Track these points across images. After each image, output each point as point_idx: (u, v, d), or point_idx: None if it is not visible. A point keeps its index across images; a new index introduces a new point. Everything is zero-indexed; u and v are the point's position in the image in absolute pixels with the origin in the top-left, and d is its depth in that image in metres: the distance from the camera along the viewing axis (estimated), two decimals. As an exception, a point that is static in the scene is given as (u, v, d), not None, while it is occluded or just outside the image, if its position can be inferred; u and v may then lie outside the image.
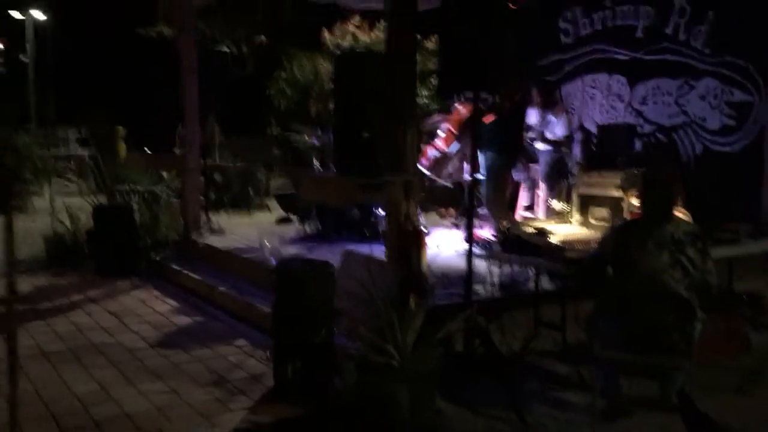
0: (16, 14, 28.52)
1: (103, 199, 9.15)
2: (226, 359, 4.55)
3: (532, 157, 7.52)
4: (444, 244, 5.93)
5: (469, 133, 6.47)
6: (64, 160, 16.74)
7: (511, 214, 6.89)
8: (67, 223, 7.98)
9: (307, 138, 7.89)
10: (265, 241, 5.99)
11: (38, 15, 28.84)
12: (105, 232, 7.02)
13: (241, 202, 12.87)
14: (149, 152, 6.98)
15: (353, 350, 4.00)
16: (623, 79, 7.60)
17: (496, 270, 5.02)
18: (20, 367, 4.34)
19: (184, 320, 5.49)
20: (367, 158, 3.86)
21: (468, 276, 4.17)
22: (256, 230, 7.85)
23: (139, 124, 7.18)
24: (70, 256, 7.66)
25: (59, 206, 8.03)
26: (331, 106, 14.95)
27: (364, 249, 5.35)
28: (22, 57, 29.38)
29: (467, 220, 4.29)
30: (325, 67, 15.57)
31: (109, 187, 14.82)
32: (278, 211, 11.47)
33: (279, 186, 13.67)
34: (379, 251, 4.88)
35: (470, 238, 4.14)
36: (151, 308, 5.82)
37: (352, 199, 4.13)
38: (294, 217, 9.97)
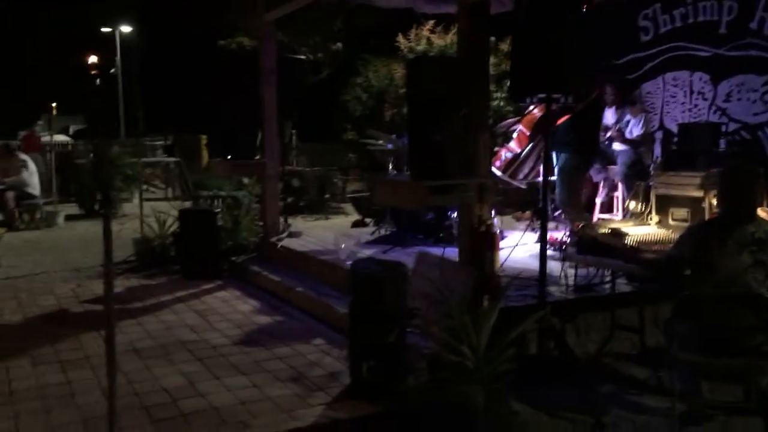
0: (105, 29, 30.06)
1: (187, 205, 9.57)
2: (305, 357, 4.69)
3: (609, 158, 7.39)
4: (518, 247, 5.91)
5: (545, 134, 6.46)
6: (151, 167, 17.56)
7: (587, 215, 6.80)
8: (155, 227, 8.39)
9: (382, 143, 8.00)
10: (342, 244, 6.13)
11: (125, 29, 30.26)
12: (190, 236, 7.33)
13: (318, 206, 13.15)
14: (232, 159, 7.23)
15: (426, 349, 4.08)
16: (706, 77, 7.38)
17: (570, 272, 4.99)
18: (116, 362, 4.62)
19: (264, 319, 5.68)
20: (439, 161, 3.90)
21: (541, 277, 4.16)
22: (332, 233, 8.03)
23: (223, 132, 7.44)
24: (157, 259, 8.03)
25: (146, 211, 8.44)
26: (406, 110, 15.15)
27: (437, 251, 5.42)
28: (112, 70, 30.97)
29: (541, 221, 4.29)
30: (400, 72, 15.73)
31: (192, 192, 15.41)
32: (354, 215, 11.66)
33: (354, 190, 13.90)
34: (452, 254, 4.93)
35: (543, 239, 4.14)
36: (233, 308, 6.05)
37: (423, 203, 4.18)
38: (369, 221, 10.14)
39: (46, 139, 18.50)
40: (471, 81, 4.10)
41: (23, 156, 11.47)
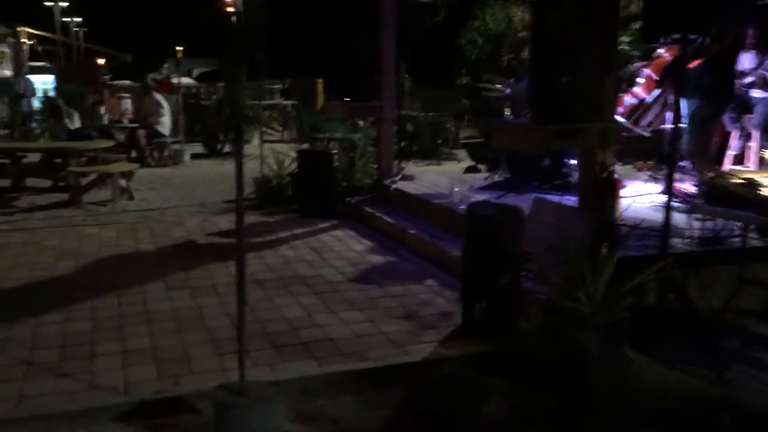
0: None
1: (304, 146, 9.83)
2: (417, 297, 4.79)
3: (746, 105, 6.90)
4: (639, 197, 5.70)
5: (674, 79, 6.11)
6: (269, 110, 18.08)
7: (717, 166, 6.43)
8: (274, 167, 8.70)
9: (500, 87, 7.84)
10: (455, 188, 6.13)
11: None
12: (307, 176, 7.55)
13: (431, 151, 13.15)
14: (350, 102, 7.32)
15: (540, 295, 4.06)
16: None
17: (697, 224, 4.77)
18: (239, 291, 4.90)
19: (377, 259, 5.82)
20: (562, 105, 3.79)
21: (665, 226, 4.02)
22: (445, 178, 8.04)
23: (341, 75, 7.53)
24: (275, 197, 8.36)
25: (265, 152, 8.74)
26: (524, 55, 14.73)
27: (554, 198, 5.32)
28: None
29: (668, 169, 4.11)
30: (519, 15, 15.28)
31: (308, 134, 15.77)
32: (467, 161, 11.57)
33: (467, 136, 13.77)
34: (570, 201, 4.83)
35: (669, 187, 3.97)
36: (347, 246, 6.23)
37: (544, 147, 4.11)
38: (482, 167, 10.04)
39: (174, 81, 19.43)
40: (599, 21, 3.93)
41: (158, 96, 12.09)
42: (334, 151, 7.78)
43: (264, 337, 4.04)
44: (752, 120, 6.83)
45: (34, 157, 9.93)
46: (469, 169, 10.14)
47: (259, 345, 3.93)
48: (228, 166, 12.57)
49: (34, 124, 11.11)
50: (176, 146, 12.80)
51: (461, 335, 4.06)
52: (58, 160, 9.32)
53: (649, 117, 6.19)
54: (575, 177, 6.69)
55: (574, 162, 6.71)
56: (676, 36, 3.75)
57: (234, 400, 2.88)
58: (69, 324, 4.22)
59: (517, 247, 3.99)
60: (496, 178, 7.21)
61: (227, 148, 14.08)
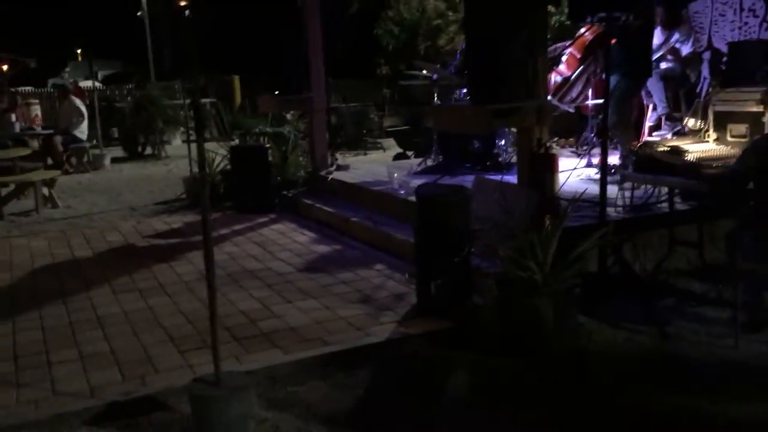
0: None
1: (225, 144, 9.76)
2: (369, 281, 4.88)
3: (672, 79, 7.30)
4: (574, 170, 5.97)
5: (595, 56, 6.42)
6: (184, 109, 17.72)
7: (637, 138, 6.80)
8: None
9: (426, 73, 8.00)
10: (394, 174, 6.25)
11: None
12: (242, 171, 7.51)
13: (356, 142, 13.26)
14: (279, 95, 7.33)
15: (489, 270, 4.24)
16: (756, -7, 7.20)
17: (626, 194, 5.06)
18: (190, 289, 4.88)
19: (323, 249, 5.88)
20: (499, 85, 3.96)
21: (601, 196, 4.25)
22: (378, 166, 8.16)
23: (269, 69, 7.51)
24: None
25: (186, 152, 8.61)
26: (440, 42, 15.03)
27: (493, 178, 5.51)
28: (139, 13, 30.75)
29: (601, 141, 4.35)
30: (432, 4, 15.53)
31: (229, 132, 15.58)
32: (391, 150, 11.75)
33: (390, 125, 13.95)
34: (506, 179, 5.02)
35: (604, 157, 4.21)
36: (290, 239, 6.25)
37: (486, 126, 4.26)
38: (410, 153, 10.23)
39: (81, 85, 18.74)
40: (531, 2, 4.11)
41: (77, 100, 11.65)
42: (267, 146, 7.75)
43: (224, 332, 4.02)
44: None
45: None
46: (398, 156, 10.34)
47: (221, 339, 3.89)
48: (150, 168, 12.31)
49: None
50: (95, 151, 12.41)
51: (418, 314, 4.18)
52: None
53: (573, 94, 6.48)
54: (505, 157, 6.95)
55: (502, 143, 6.97)
56: (602, 14, 3.97)
57: (211, 391, 2.90)
58: (18, 334, 4.09)
59: (467, 224, 4.14)
60: (429, 162, 7.37)
61: (148, 150, 13.75)
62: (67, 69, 33.32)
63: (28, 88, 20.29)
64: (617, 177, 5.41)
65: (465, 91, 6.86)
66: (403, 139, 10.43)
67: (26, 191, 8.58)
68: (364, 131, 13.76)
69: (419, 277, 4.24)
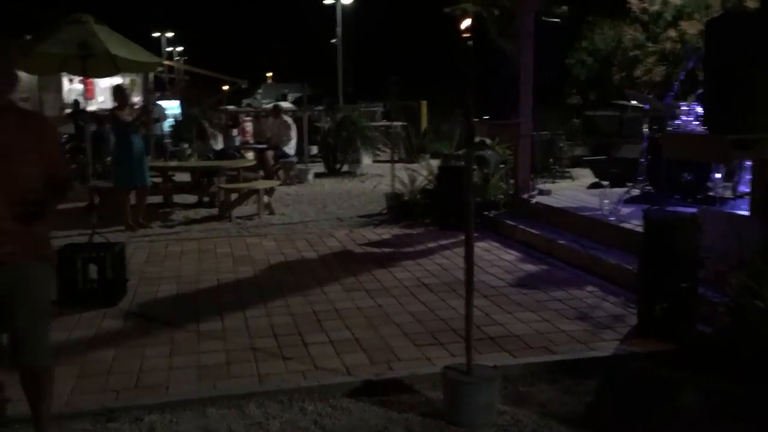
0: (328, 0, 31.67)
1: (413, 166, 10.30)
2: (583, 301, 5.03)
3: None
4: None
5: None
6: (376, 131, 18.71)
7: None
8: (404, 184, 9.16)
9: (636, 104, 8.00)
10: (604, 201, 6.34)
11: (347, -1, 31.67)
12: (446, 190, 7.91)
13: (544, 169, 13.30)
14: (488, 119, 7.68)
15: (713, 298, 4.24)
16: None
17: None
18: (412, 293, 5.30)
19: (530, 267, 6.09)
20: (744, 115, 3.99)
21: None
22: (576, 193, 8.26)
23: (481, 94, 7.90)
24: (408, 212, 8.77)
25: (378, 171, 9.16)
26: (636, 73, 14.72)
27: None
28: (333, 41, 32.83)
29: None
30: (630, 34, 15.25)
31: (415, 154, 16.19)
32: (580, 180, 11.70)
33: (578, 155, 13.88)
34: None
35: None
36: (496, 256, 6.53)
37: (722, 157, 4.29)
38: (606, 183, 10.15)
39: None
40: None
41: (288, 119, 12.81)
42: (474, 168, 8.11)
43: (452, 333, 4.38)
44: None
45: (181, 176, 10.77)
46: (593, 185, 10.28)
47: (451, 339, 4.27)
48: (348, 184, 13.17)
49: (180, 146, 12.01)
50: (300, 166, 13.49)
51: (639, 335, 4.28)
52: (204, 179, 10.10)
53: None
54: (719, 191, 6.78)
55: (718, 176, 6.80)
56: None
57: (463, 378, 3.23)
58: (272, 317, 4.71)
59: (695, 252, 4.19)
60: (633, 192, 7.35)
61: (345, 168, 14.70)
62: (260, 91, 36.13)
63: (236, 107, 22.37)
64: None
65: (679, 121, 6.83)
66: (599, 169, 10.38)
67: (250, 198, 9.57)
68: (551, 159, 13.79)
69: (642, 299, 4.34)
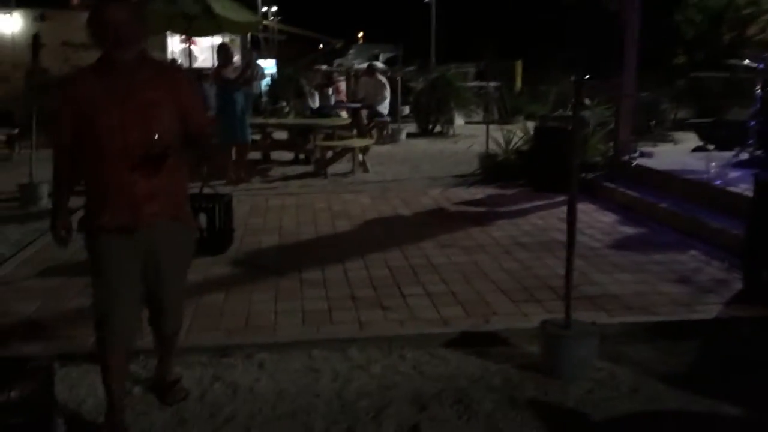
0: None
1: (506, 126, 10.18)
2: (684, 264, 4.92)
3: None
4: None
5: None
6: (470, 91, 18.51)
7: None
8: (499, 145, 9.11)
9: (748, 63, 7.59)
10: (711, 164, 6.13)
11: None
12: (543, 151, 7.82)
13: (644, 132, 12.85)
14: (589, 79, 7.47)
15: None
16: None
17: None
18: (507, 252, 5.33)
19: (628, 230, 5.98)
20: None
21: None
22: (680, 156, 7.98)
23: (583, 53, 7.69)
24: (501, 173, 8.73)
25: (471, 132, 9.11)
26: (749, 32, 13.91)
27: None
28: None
29: None
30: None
31: (510, 115, 15.94)
32: (683, 143, 11.24)
33: (681, 118, 13.31)
34: None
35: None
36: (593, 218, 6.44)
37: None
38: (711, 146, 9.74)
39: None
40: None
41: (383, 78, 12.90)
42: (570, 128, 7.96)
43: (548, 291, 4.40)
44: None
45: (277, 134, 11.08)
46: (697, 149, 9.88)
47: (547, 296, 4.30)
48: (440, 144, 13.19)
49: (279, 104, 12.31)
50: (393, 125, 13.59)
51: (744, 300, 4.17)
52: (300, 137, 10.36)
53: None
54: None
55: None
56: None
57: (563, 332, 3.27)
58: (370, 269, 4.86)
59: (810, 216, 4.02)
60: (741, 156, 7.04)
61: (438, 128, 14.70)
62: (351, 51, 36.21)
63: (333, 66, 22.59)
64: None
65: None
66: (705, 131, 9.95)
67: (345, 155, 9.77)
68: (653, 122, 13.28)
69: (749, 264, 4.21)
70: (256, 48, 23.32)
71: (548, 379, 3.28)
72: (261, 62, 18.97)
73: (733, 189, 5.73)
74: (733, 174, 6.35)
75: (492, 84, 17.48)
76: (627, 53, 7.45)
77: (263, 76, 16.81)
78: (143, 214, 2.61)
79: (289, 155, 10.82)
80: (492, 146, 9.34)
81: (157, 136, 2.54)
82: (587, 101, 9.73)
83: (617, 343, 3.71)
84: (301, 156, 10.59)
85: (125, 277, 2.66)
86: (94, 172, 2.61)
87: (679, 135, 12.37)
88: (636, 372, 3.37)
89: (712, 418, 2.96)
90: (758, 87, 7.04)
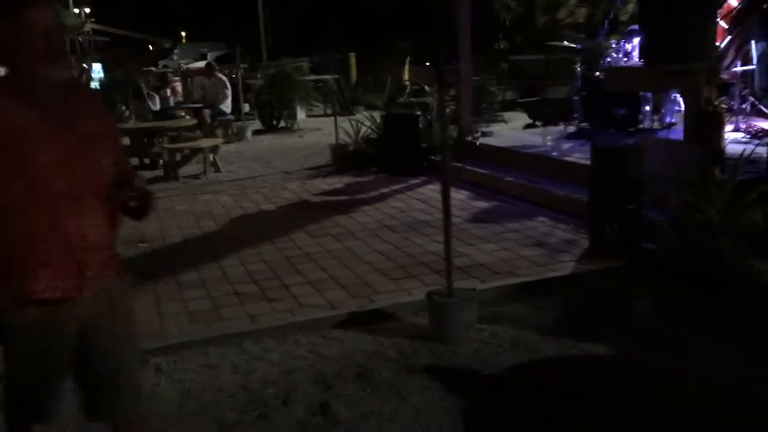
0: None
1: (350, 117, 10.50)
2: (536, 230, 5.40)
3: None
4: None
5: (743, 25, 6.62)
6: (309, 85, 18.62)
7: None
8: (350, 135, 9.33)
9: (566, 44, 8.35)
10: (547, 138, 6.71)
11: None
12: (393, 137, 8.14)
13: (476, 114, 13.66)
14: (429, 66, 7.90)
15: (657, 218, 4.65)
16: None
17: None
18: (376, 235, 5.54)
19: (482, 204, 6.42)
20: (675, 47, 4.35)
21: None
22: (515, 133, 8.63)
23: (420, 41, 8.11)
24: (354, 161, 8.96)
25: (312, 125, 9.28)
26: (559, 16, 15.20)
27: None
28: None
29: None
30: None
31: (349, 106, 16.22)
32: (512, 122, 12.11)
33: (508, 99, 14.30)
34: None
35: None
36: (448, 197, 6.81)
37: (659, 85, 4.66)
38: (539, 123, 10.59)
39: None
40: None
41: (223, 77, 12.66)
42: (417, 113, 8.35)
43: (422, 266, 4.66)
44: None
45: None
46: (528, 126, 10.70)
47: (422, 271, 4.56)
48: (288, 139, 13.20)
49: (118, 108, 11.69)
50: (238, 123, 13.40)
51: (592, 255, 4.67)
52: (144, 140, 9.97)
53: (725, 63, 6.69)
54: (647, 123, 7.27)
55: (647, 108, 7.27)
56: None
57: (447, 300, 3.52)
58: (247, 265, 4.87)
59: (639, 175, 4.57)
60: (569, 129, 7.76)
61: (282, 124, 14.68)
62: (176, 51, 35.00)
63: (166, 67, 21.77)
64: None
65: (609, 59, 7.23)
66: (532, 110, 10.80)
67: (194, 156, 9.53)
68: (483, 104, 14.15)
69: (593, 222, 4.72)
70: (79, 52, 21.94)
71: (438, 345, 3.51)
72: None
73: (568, 158, 6.34)
74: (566, 145, 7.00)
75: (329, 77, 17.73)
76: (461, 42, 7.93)
77: (90, 79, 15.93)
78: (88, 275, 2.02)
79: (133, 161, 10.36)
80: (341, 137, 9.55)
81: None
82: (427, 87, 10.24)
83: (494, 305, 4.04)
84: (146, 160, 10.20)
85: (56, 368, 2.10)
86: (16, 223, 1.95)
87: (508, 115, 13.30)
88: (514, 328, 3.69)
89: (587, 359, 3.33)
90: (578, 65, 7.78)
